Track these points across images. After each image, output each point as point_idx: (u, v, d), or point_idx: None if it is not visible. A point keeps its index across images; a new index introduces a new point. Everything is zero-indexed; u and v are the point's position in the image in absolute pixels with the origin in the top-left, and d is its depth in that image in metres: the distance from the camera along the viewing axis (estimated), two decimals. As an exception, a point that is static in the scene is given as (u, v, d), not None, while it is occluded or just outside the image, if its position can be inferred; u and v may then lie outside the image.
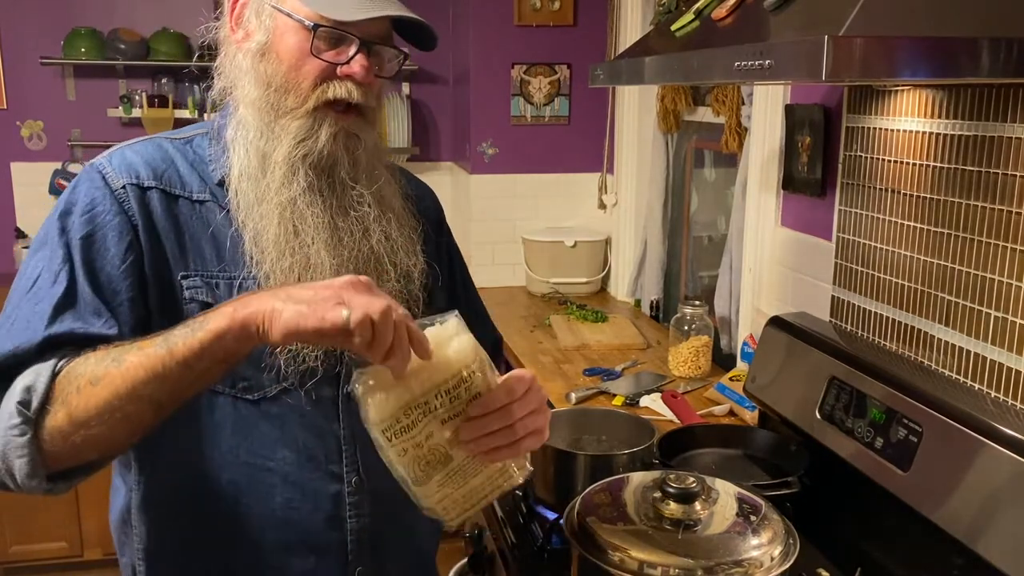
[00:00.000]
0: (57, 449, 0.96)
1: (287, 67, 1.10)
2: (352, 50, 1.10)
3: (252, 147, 1.12)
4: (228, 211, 1.13)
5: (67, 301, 1.03)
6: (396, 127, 3.59)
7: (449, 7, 3.66)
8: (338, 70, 1.10)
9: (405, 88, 3.72)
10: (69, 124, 3.60)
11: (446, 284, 1.31)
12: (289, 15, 1.09)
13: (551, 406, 1.30)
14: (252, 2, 1.13)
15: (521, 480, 1.04)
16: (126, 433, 0.98)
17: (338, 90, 1.10)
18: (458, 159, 3.71)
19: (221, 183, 1.14)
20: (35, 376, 0.97)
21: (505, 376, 1.00)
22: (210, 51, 1.20)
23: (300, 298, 0.89)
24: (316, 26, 1.08)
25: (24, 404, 0.95)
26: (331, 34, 1.09)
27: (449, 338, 0.95)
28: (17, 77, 3.51)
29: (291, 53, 1.09)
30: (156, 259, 1.09)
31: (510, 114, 3.38)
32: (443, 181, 3.87)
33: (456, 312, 0.98)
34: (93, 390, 0.94)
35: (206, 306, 1.08)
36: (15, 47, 3.48)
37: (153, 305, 1.09)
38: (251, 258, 1.11)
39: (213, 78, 1.18)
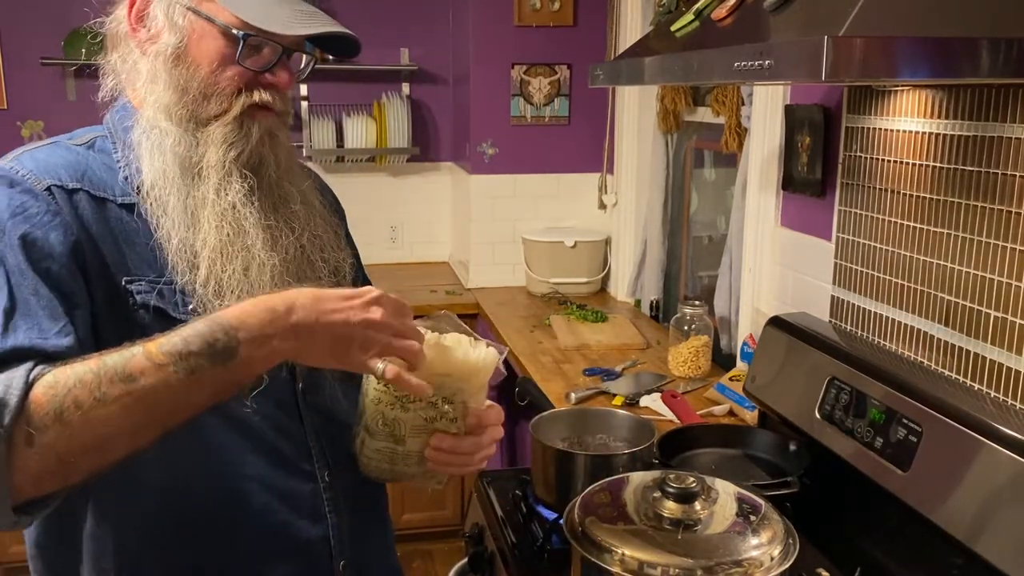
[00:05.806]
0: (33, 471, 0.86)
1: (207, 72, 1.06)
2: (274, 58, 1.07)
3: (170, 154, 1.06)
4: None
5: (13, 306, 0.93)
6: (396, 127, 3.59)
7: (449, 7, 3.64)
8: (260, 77, 1.08)
9: (405, 88, 3.71)
10: (69, 124, 3.57)
11: (360, 276, 1.33)
12: (209, 19, 1.05)
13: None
14: (159, 1, 1.07)
15: (430, 489, 1.20)
16: (118, 455, 0.90)
17: (264, 97, 1.08)
18: (458, 159, 3.71)
19: (139, 188, 1.07)
20: (4, 388, 0.85)
21: (492, 408, 1.14)
22: (99, 45, 1.14)
23: (325, 341, 0.95)
24: (246, 35, 1.04)
25: None
26: (256, 42, 1.06)
27: (471, 347, 1.07)
28: (17, 77, 3.51)
29: (211, 59, 1.06)
30: (97, 263, 1.01)
31: (510, 114, 3.38)
32: (443, 181, 3.87)
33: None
34: (96, 409, 0.86)
35: (157, 311, 1.03)
36: (15, 47, 3.48)
37: (99, 312, 1.01)
38: (176, 265, 1.05)
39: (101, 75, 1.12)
